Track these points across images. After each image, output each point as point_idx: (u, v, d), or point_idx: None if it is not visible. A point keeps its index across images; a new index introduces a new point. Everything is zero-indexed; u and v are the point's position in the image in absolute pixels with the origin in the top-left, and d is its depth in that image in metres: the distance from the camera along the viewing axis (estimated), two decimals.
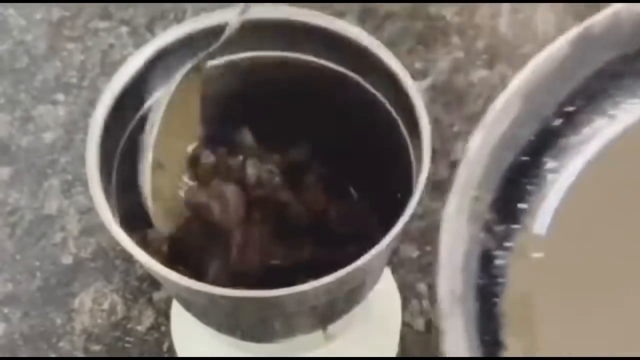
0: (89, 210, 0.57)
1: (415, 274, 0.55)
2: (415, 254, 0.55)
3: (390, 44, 0.41)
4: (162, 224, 0.42)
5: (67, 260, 0.56)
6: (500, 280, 0.32)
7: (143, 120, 0.42)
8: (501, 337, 0.31)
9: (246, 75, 0.44)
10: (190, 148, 0.44)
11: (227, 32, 0.40)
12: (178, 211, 0.43)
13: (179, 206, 0.43)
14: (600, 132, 0.34)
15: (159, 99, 0.41)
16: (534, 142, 0.34)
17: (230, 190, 0.43)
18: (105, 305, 0.54)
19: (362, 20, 0.65)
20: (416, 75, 0.62)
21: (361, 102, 0.43)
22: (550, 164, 0.34)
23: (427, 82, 0.62)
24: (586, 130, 0.34)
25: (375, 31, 0.62)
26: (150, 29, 0.66)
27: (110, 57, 0.65)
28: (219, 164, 0.44)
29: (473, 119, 0.33)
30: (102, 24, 0.67)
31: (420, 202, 0.37)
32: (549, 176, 0.34)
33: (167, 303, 0.53)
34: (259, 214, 0.44)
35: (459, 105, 0.61)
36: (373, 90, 0.42)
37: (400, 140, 0.41)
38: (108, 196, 0.39)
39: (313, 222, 0.45)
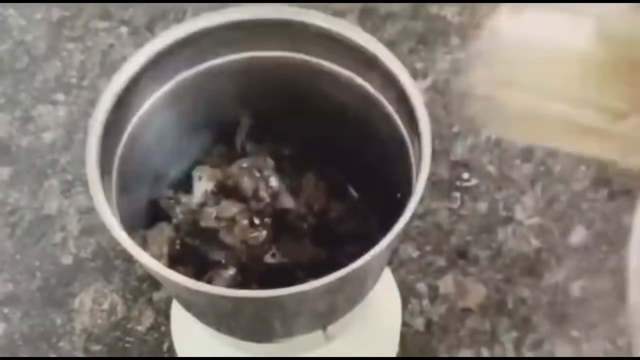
0: (89, 210, 0.57)
1: (415, 274, 0.55)
2: (415, 254, 0.55)
3: (390, 44, 0.41)
4: None
5: (67, 260, 0.56)
6: None
7: (143, 120, 0.42)
8: None
9: (246, 75, 0.44)
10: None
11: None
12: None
13: None
14: None
15: None
16: None
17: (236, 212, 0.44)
18: (105, 306, 0.54)
19: (362, 20, 0.65)
20: (416, 75, 0.62)
21: (361, 102, 0.43)
22: None
23: (427, 82, 0.62)
24: None
25: (375, 31, 0.62)
26: (150, 29, 0.66)
27: (110, 57, 0.65)
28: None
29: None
30: (102, 24, 0.67)
31: (420, 202, 0.37)
32: None
33: (167, 303, 0.53)
34: (259, 220, 0.44)
35: (458, 105, 0.61)
36: (373, 91, 0.42)
37: (400, 140, 0.41)
38: (108, 196, 0.39)
39: (313, 222, 0.45)
